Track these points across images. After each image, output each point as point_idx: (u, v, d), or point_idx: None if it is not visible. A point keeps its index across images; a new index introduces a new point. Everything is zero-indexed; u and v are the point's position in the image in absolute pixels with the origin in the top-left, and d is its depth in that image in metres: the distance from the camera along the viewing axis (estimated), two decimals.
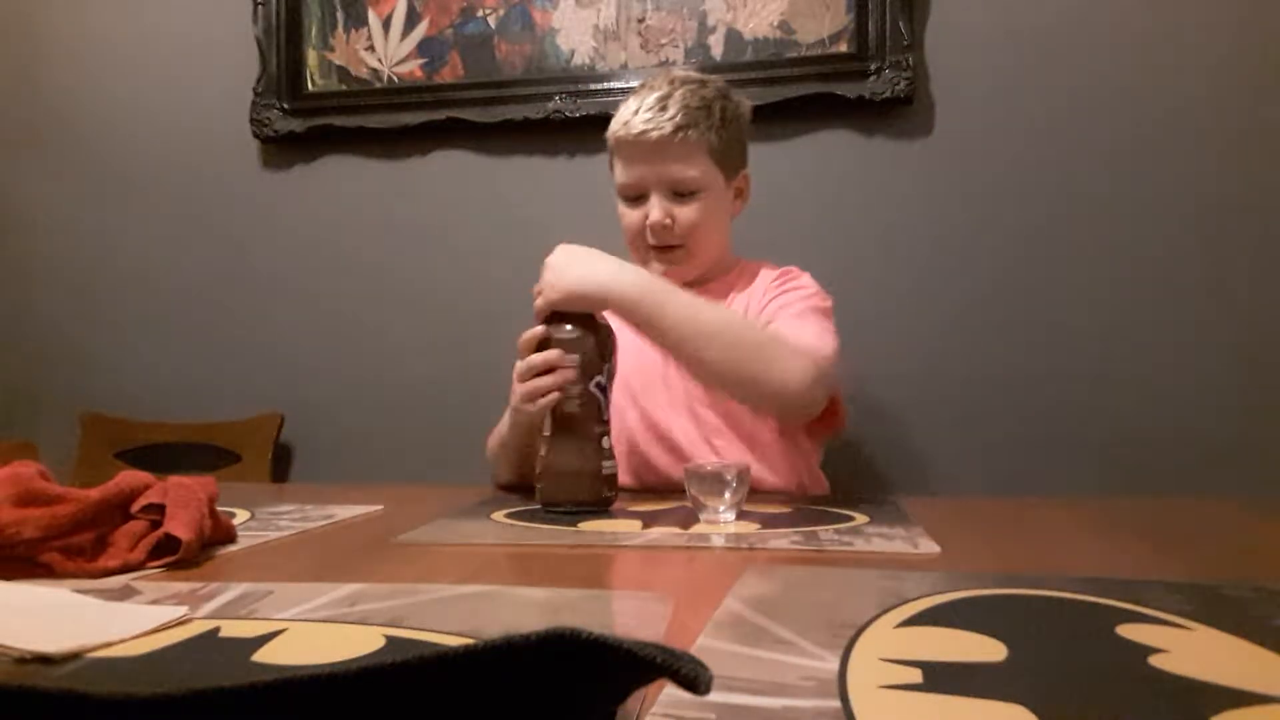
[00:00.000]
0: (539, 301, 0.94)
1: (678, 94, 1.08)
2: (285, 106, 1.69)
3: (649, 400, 1.13)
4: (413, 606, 0.52)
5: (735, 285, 1.17)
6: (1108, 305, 1.44)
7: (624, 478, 1.03)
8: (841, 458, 1.45)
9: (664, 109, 1.06)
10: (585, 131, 1.57)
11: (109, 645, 0.44)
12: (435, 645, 0.45)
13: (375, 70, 1.67)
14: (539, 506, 0.90)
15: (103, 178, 1.81)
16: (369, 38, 1.67)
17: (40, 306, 1.83)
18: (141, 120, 1.79)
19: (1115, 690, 0.38)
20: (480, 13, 1.62)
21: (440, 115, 1.63)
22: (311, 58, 1.69)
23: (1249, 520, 0.86)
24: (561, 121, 1.58)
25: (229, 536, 0.74)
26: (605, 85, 1.57)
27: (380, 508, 0.93)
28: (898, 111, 1.49)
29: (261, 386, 1.73)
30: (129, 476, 0.69)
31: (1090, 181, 1.44)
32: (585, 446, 0.89)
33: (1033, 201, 1.46)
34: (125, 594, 0.56)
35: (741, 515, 0.82)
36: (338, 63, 1.68)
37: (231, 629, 0.48)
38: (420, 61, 1.65)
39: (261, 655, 0.43)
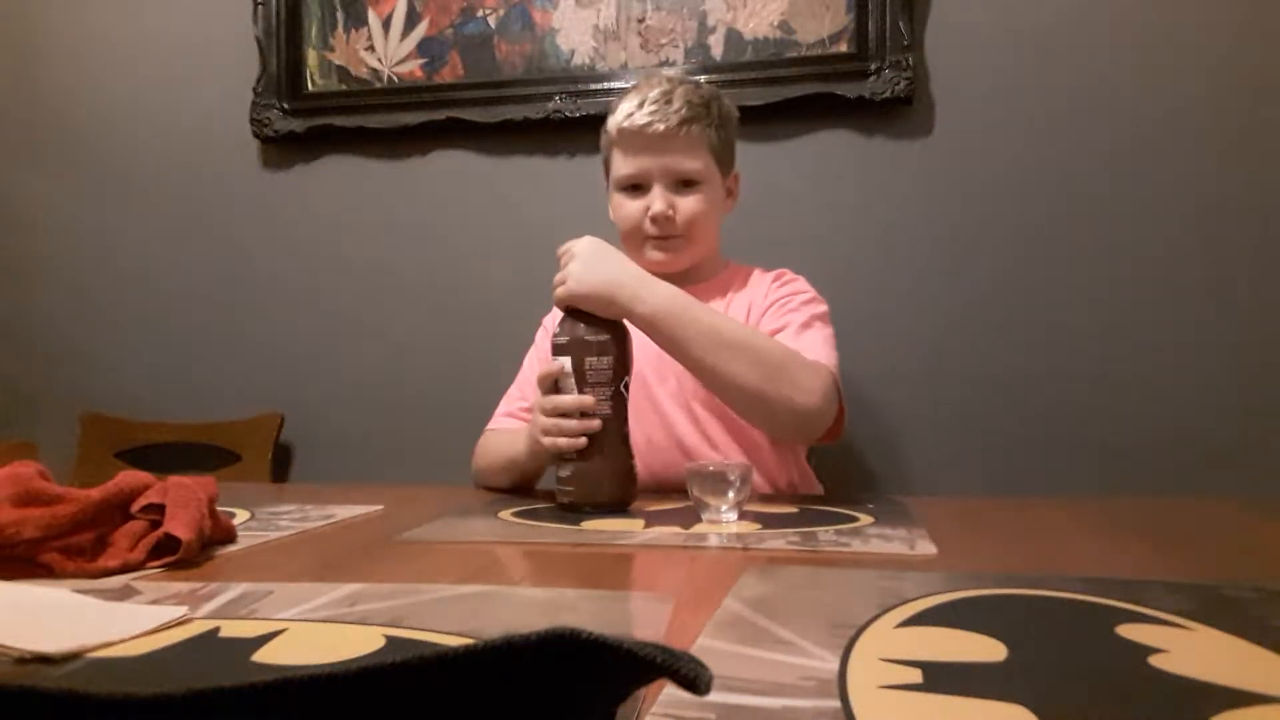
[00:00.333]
0: (561, 290, 0.93)
1: (679, 90, 1.11)
2: (285, 106, 1.69)
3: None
4: (413, 606, 0.52)
5: (732, 285, 1.18)
6: (1108, 305, 1.44)
7: None
8: (841, 458, 1.45)
9: (669, 102, 1.09)
10: (585, 131, 1.57)
11: (109, 645, 0.44)
12: (435, 645, 0.45)
13: (375, 70, 1.67)
14: (556, 506, 0.91)
15: (103, 178, 1.81)
16: (369, 38, 1.67)
17: (40, 306, 1.83)
18: (141, 120, 1.79)
19: (1115, 690, 0.38)
20: (480, 13, 1.62)
21: (440, 115, 1.63)
22: (311, 58, 1.69)
23: (1249, 520, 0.86)
24: (561, 121, 1.58)
25: (229, 536, 0.74)
26: (605, 85, 1.57)
27: (380, 508, 0.93)
28: (898, 111, 1.49)
29: (261, 386, 1.73)
30: (129, 476, 0.69)
31: (1090, 181, 1.44)
32: (616, 448, 0.90)
33: (1033, 201, 1.46)
34: (125, 594, 0.56)
35: (743, 515, 0.82)
36: (338, 63, 1.68)
37: (231, 629, 0.48)
38: (420, 61, 1.65)
39: (261, 655, 0.43)
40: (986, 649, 0.43)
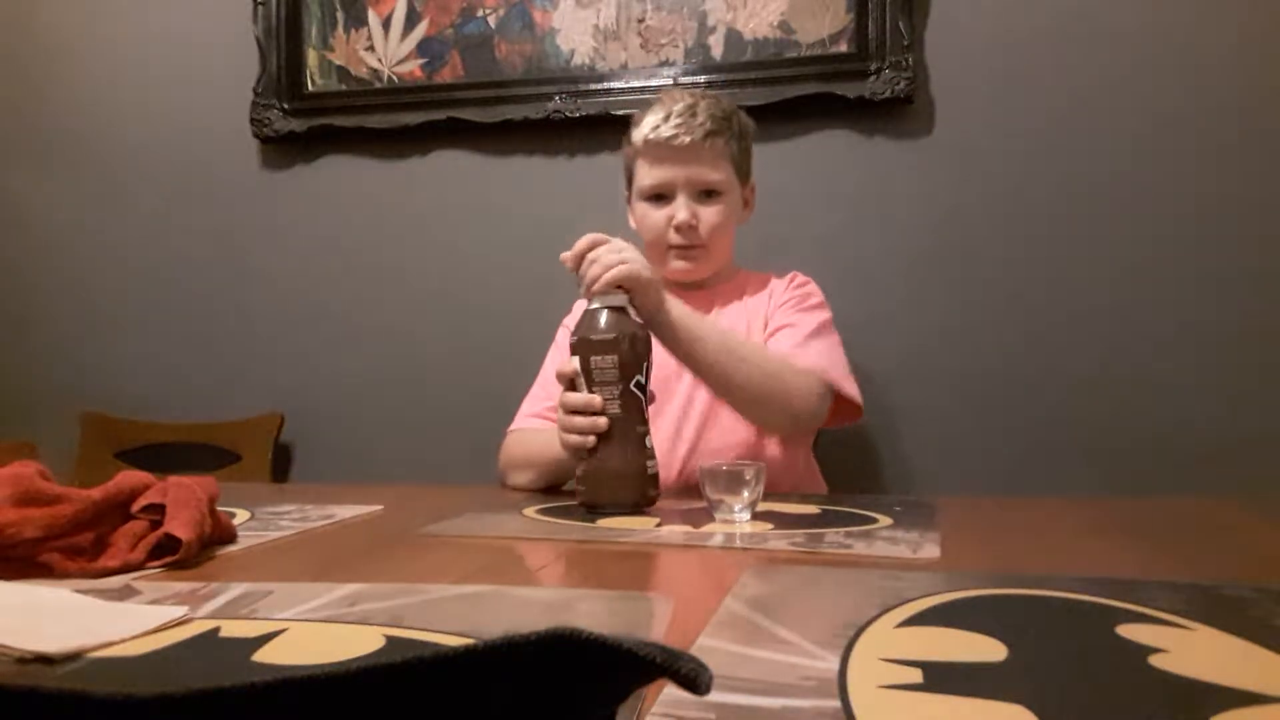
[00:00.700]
0: (623, 268, 0.91)
1: (703, 104, 1.15)
2: (285, 106, 1.69)
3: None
4: (413, 606, 0.52)
5: (746, 290, 1.23)
6: (1108, 305, 1.44)
7: None
8: (841, 457, 1.45)
9: (694, 115, 1.13)
10: (585, 131, 1.57)
11: (109, 645, 0.44)
12: (435, 645, 0.45)
13: (375, 70, 1.67)
14: (578, 505, 0.91)
15: (103, 177, 1.81)
16: (369, 38, 1.67)
17: (40, 306, 1.83)
18: (142, 120, 1.79)
19: (1115, 690, 0.38)
20: (480, 13, 1.62)
21: (440, 115, 1.62)
22: (311, 58, 1.69)
23: (1249, 520, 0.86)
24: (561, 121, 1.58)
25: (229, 536, 0.74)
26: (605, 85, 1.57)
27: (380, 508, 0.93)
28: (898, 111, 1.49)
29: (261, 386, 1.73)
30: (129, 476, 0.69)
31: (1090, 181, 1.44)
32: (628, 447, 0.89)
33: (1032, 201, 1.46)
34: (125, 594, 0.56)
35: (762, 516, 0.82)
36: (338, 63, 1.68)
37: (231, 629, 0.48)
38: (420, 61, 1.65)
39: (261, 655, 0.43)
40: (987, 649, 0.43)
